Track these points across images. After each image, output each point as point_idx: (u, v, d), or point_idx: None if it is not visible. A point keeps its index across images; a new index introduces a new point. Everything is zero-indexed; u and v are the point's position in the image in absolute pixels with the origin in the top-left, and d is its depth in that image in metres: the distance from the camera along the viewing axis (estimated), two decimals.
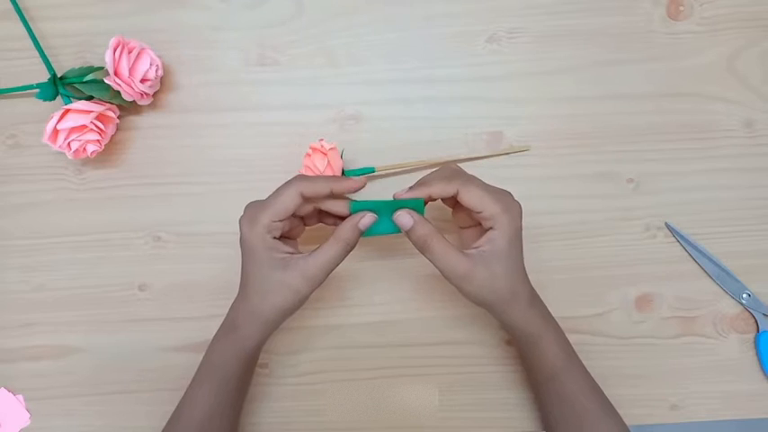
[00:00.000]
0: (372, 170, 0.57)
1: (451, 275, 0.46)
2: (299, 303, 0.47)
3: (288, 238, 0.50)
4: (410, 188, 0.48)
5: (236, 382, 0.51)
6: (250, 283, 0.47)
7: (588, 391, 0.50)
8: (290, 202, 0.46)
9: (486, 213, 0.46)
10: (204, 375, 0.50)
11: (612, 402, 0.51)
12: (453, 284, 0.47)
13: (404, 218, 0.47)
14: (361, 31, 0.59)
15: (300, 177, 0.47)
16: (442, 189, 0.47)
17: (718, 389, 0.58)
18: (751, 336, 0.59)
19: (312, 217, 0.51)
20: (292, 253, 0.47)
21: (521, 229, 0.47)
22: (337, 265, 0.47)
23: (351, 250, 0.47)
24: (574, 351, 0.52)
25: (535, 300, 0.50)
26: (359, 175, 0.57)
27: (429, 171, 0.58)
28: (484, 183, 0.48)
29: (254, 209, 0.47)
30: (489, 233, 0.46)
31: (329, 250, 0.46)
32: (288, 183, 0.47)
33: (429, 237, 0.46)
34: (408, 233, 0.47)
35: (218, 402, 0.50)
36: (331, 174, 0.54)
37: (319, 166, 0.54)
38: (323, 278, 0.47)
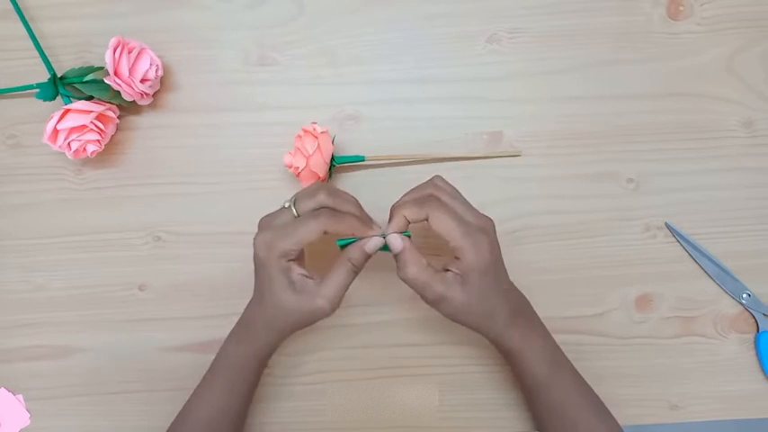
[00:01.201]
0: (362, 159, 0.57)
1: (425, 298, 0.47)
2: (317, 321, 0.48)
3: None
4: (389, 219, 0.48)
5: (248, 384, 0.52)
6: (266, 299, 0.47)
7: (577, 401, 0.50)
8: (311, 235, 0.45)
9: (452, 244, 0.46)
10: (217, 375, 0.51)
11: (612, 402, 0.51)
12: (429, 305, 0.48)
13: (393, 242, 0.47)
14: (361, 31, 0.59)
15: (328, 214, 0.46)
16: (414, 214, 0.46)
17: (718, 389, 0.58)
18: (751, 336, 0.59)
19: None
20: (306, 276, 0.47)
21: (494, 261, 0.47)
22: (347, 287, 0.47)
23: (358, 272, 0.48)
24: (562, 361, 0.51)
25: (517, 317, 0.49)
26: (348, 162, 0.57)
27: (418, 165, 0.59)
28: (458, 210, 0.47)
29: (272, 234, 0.46)
30: (459, 262, 0.46)
31: (339, 274, 0.47)
32: (314, 216, 0.45)
33: (409, 262, 0.46)
34: (396, 255, 0.47)
35: (228, 402, 0.51)
36: (320, 156, 0.54)
37: (309, 148, 0.54)
38: (338, 303, 0.47)
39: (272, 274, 0.46)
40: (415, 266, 0.46)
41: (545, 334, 0.51)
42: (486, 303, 0.47)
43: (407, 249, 0.46)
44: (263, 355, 0.51)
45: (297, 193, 0.48)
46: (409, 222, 0.47)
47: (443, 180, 0.49)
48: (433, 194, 0.47)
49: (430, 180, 0.49)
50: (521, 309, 0.51)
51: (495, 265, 0.47)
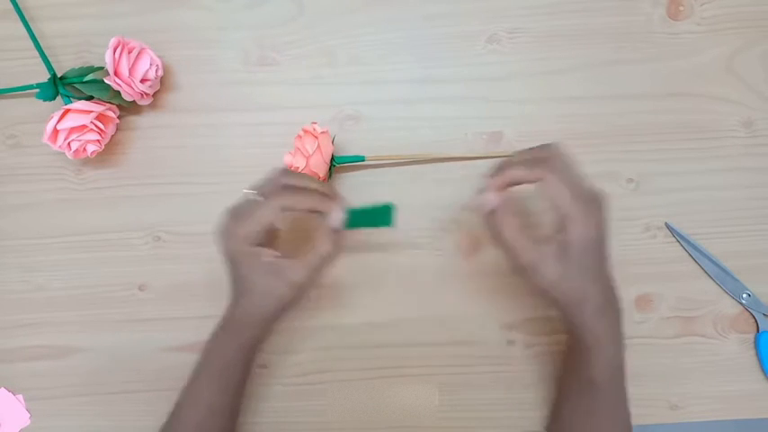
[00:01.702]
0: (362, 159, 0.57)
1: (514, 265, 0.44)
2: (295, 302, 0.47)
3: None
4: (492, 175, 0.45)
5: (235, 380, 0.50)
6: (239, 289, 0.47)
7: (613, 414, 0.48)
8: (269, 214, 0.45)
9: (561, 212, 0.43)
10: (203, 374, 0.50)
11: None
12: (517, 275, 0.45)
13: (487, 198, 0.44)
14: (361, 31, 0.59)
15: (284, 191, 0.45)
16: (525, 175, 0.43)
17: (718, 389, 0.58)
18: (751, 336, 0.59)
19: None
20: (277, 257, 0.46)
21: (600, 239, 0.44)
22: (322, 270, 0.46)
23: (337, 253, 0.47)
24: (621, 372, 0.49)
25: (608, 308, 0.46)
26: (348, 162, 0.57)
27: (418, 165, 0.59)
28: (573, 175, 0.44)
29: (230, 221, 0.46)
30: (564, 232, 0.43)
31: (313, 258, 0.46)
32: (271, 194, 0.45)
33: (505, 223, 0.44)
34: (486, 216, 0.45)
35: (218, 401, 0.49)
36: (320, 156, 0.54)
37: (309, 149, 0.54)
38: (311, 284, 0.46)
39: (240, 262, 0.46)
40: (511, 228, 0.43)
41: (622, 340, 0.47)
42: (579, 284, 0.43)
43: (504, 208, 0.44)
44: (246, 347, 0.49)
45: (257, 181, 0.47)
46: (508, 185, 0.44)
47: (561, 148, 0.45)
48: (549, 158, 0.44)
49: (546, 144, 0.46)
50: (612, 302, 0.46)
51: (600, 244, 0.44)
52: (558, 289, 0.44)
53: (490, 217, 0.45)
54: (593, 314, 0.45)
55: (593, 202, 0.44)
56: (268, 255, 0.46)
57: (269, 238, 0.48)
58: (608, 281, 0.46)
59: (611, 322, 0.46)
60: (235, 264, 0.47)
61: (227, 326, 0.50)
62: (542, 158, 0.44)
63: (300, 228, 0.56)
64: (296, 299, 0.47)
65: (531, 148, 0.46)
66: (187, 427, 0.49)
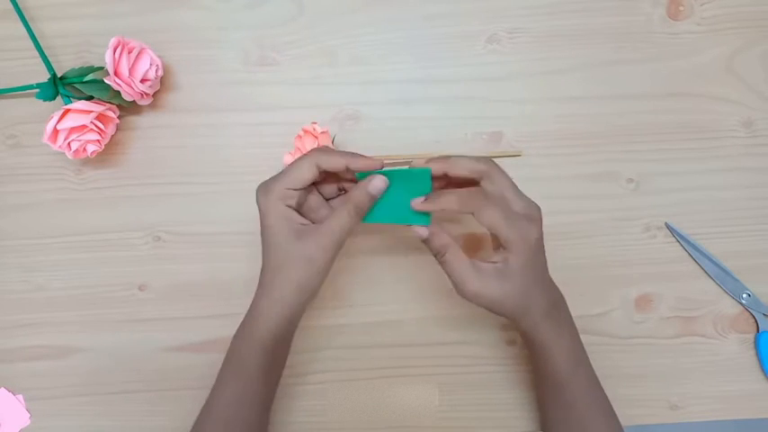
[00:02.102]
0: None
1: (462, 291, 0.46)
2: (317, 279, 0.46)
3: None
4: (426, 201, 0.47)
5: (258, 375, 0.49)
6: (268, 264, 0.47)
7: (589, 402, 0.50)
8: (306, 171, 0.46)
9: (500, 238, 0.45)
10: (226, 372, 0.50)
11: (612, 402, 0.51)
12: (464, 298, 0.47)
13: (419, 230, 0.47)
14: (361, 31, 0.59)
15: (318, 149, 0.47)
16: (457, 210, 0.46)
17: (718, 389, 0.58)
18: (751, 336, 0.59)
19: (331, 188, 0.50)
20: (307, 224, 0.47)
21: (537, 251, 0.46)
22: (349, 232, 0.46)
23: (362, 216, 0.47)
24: (585, 360, 0.51)
25: (552, 310, 0.48)
26: None
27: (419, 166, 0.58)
28: (504, 198, 0.46)
29: (270, 179, 0.47)
30: (504, 253, 0.45)
31: (340, 216, 0.46)
32: (305, 154, 0.47)
33: (444, 248, 0.46)
34: (425, 242, 0.47)
35: (241, 397, 0.49)
36: None
37: (309, 148, 0.54)
38: (337, 246, 0.46)
39: (272, 220, 0.46)
40: (455, 256, 0.46)
41: (574, 332, 0.50)
42: (522, 299, 0.46)
43: (444, 239, 0.46)
44: (265, 339, 0.47)
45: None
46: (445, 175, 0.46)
47: (491, 164, 0.47)
48: (479, 190, 0.46)
49: (480, 160, 0.47)
50: (556, 303, 0.49)
51: (538, 256, 0.47)
52: (503, 307, 0.46)
53: (429, 243, 0.47)
54: (541, 320, 0.47)
55: (526, 220, 0.46)
56: (298, 221, 0.46)
57: (301, 203, 0.48)
58: (549, 285, 0.49)
59: (559, 321, 0.49)
60: (266, 225, 0.46)
61: (248, 319, 0.49)
62: (473, 194, 0.46)
63: None
64: (320, 267, 0.46)
65: (466, 161, 0.47)
66: (216, 422, 0.49)
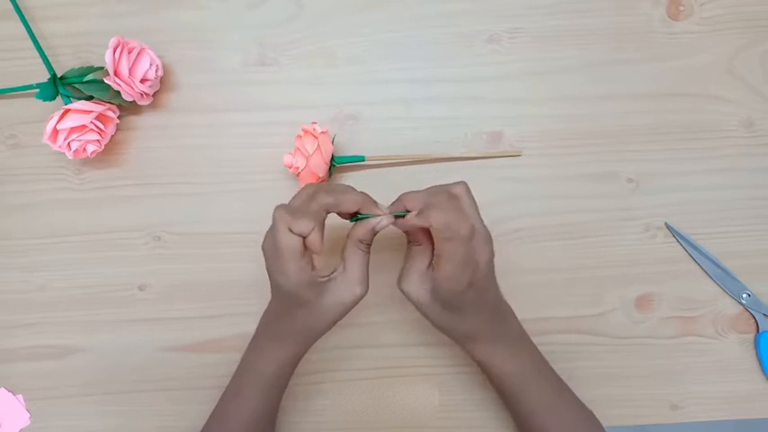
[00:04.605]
0: (362, 159, 0.57)
1: (418, 311, 0.49)
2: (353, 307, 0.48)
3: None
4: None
5: (281, 387, 0.52)
6: (297, 308, 0.46)
7: (546, 409, 0.50)
8: (315, 216, 0.44)
9: (438, 254, 0.45)
10: (249, 381, 0.51)
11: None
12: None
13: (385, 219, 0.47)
14: (361, 31, 0.59)
15: (327, 192, 0.45)
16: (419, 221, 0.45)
17: (717, 389, 0.58)
18: (751, 336, 0.59)
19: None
20: (326, 275, 0.47)
21: (484, 279, 0.45)
22: (368, 267, 0.48)
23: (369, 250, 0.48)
24: (542, 362, 0.51)
25: (498, 335, 0.49)
26: (348, 162, 0.57)
27: (418, 165, 0.59)
28: (447, 238, 0.44)
29: (282, 215, 0.43)
30: (437, 272, 0.45)
31: (358, 258, 0.47)
32: (316, 195, 0.45)
33: (408, 290, 0.48)
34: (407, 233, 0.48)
35: (264, 407, 0.51)
36: (320, 156, 0.54)
37: (309, 148, 0.54)
38: (368, 282, 0.47)
39: (301, 295, 0.45)
40: (413, 289, 0.48)
41: (524, 340, 0.51)
42: (469, 326, 0.48)
43: (412, 266, 0.48)
44: (296, 359, 0.51)
45: (289, 210, 0.44)
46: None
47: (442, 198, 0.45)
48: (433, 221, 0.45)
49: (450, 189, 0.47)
50: (503, 325, 0.50)
51: (485, 285, 0.46)
52: (452, 333, 0.49)
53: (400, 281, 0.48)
54: (488, 345, 0.49)
55: (472, 255, 0.44)
56: (318, 277, 0.46)
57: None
58: (496, 308, 0.49)
59: (507, 343, 0.50)
60: (293, 297, 0.45)
61: (275, 337, 0.49)
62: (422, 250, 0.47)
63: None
64: (356, 303, 0.48)
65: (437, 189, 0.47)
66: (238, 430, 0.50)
